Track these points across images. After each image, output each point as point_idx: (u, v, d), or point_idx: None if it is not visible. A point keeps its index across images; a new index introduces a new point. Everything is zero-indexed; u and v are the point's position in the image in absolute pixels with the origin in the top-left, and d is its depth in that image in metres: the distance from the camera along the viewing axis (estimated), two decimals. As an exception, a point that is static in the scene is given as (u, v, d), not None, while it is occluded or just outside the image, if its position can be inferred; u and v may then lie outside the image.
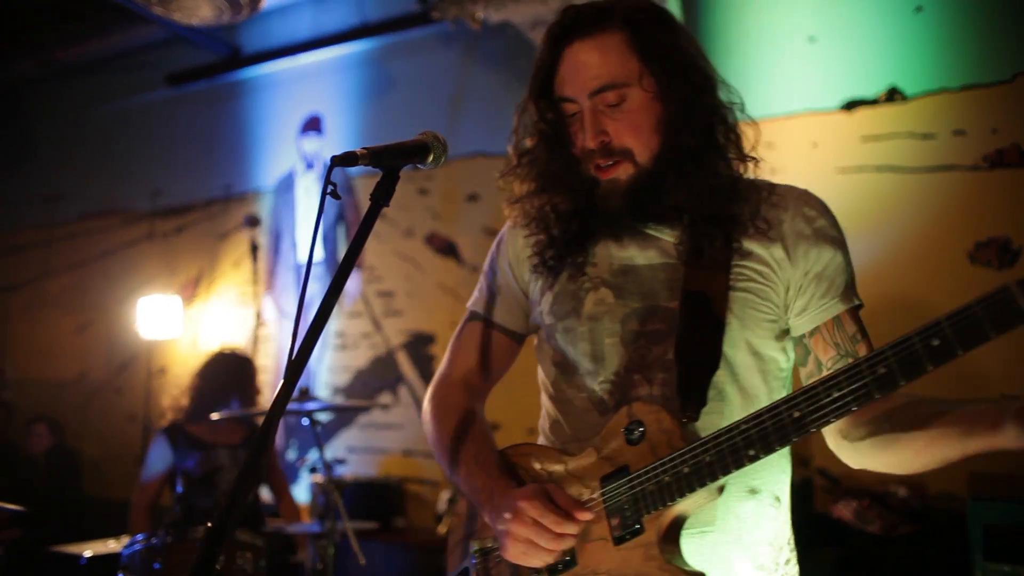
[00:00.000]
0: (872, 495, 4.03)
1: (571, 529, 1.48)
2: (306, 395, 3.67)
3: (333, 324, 6.39)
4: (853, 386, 1.27)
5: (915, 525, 3.96)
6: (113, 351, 7.53)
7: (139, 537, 3.27)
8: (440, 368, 1.90)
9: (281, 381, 1.26)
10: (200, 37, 6.76)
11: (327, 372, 6.37)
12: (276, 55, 6.83)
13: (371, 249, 5.93)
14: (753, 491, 1.58)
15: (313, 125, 6.66)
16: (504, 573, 1.61)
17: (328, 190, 1.34)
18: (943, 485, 4.14)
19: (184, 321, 6.89)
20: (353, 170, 6.45)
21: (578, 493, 1.55)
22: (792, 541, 1.66)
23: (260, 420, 4.66)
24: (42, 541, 4.96)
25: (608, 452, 1.53)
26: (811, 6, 4.81)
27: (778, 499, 1.62)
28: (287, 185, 6.73)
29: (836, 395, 1.28)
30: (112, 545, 4.35)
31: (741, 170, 1.66)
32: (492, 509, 1.57)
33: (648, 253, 1.64)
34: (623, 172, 1.59)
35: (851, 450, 1.47)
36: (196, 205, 7.36)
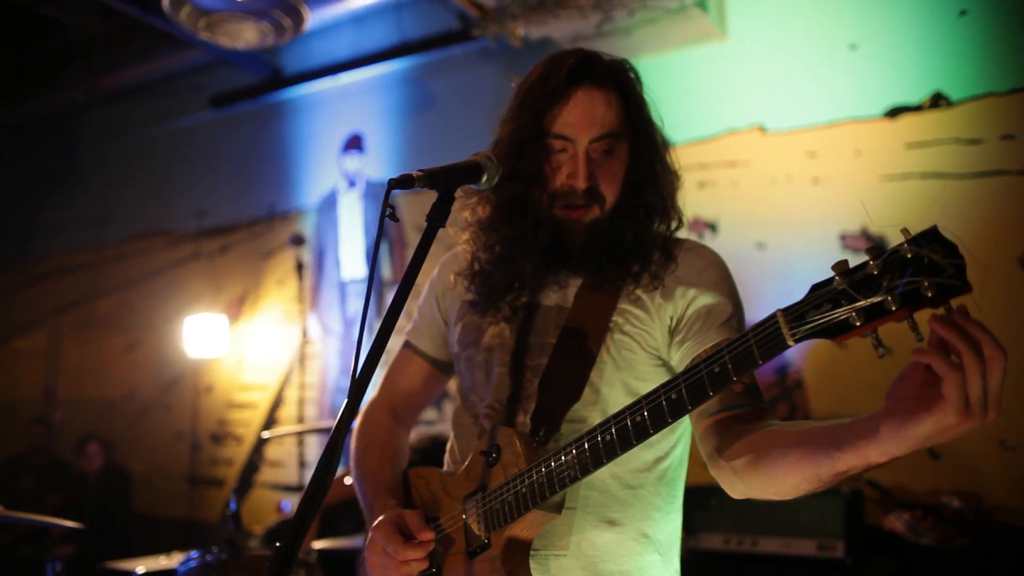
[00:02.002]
0: (924, 507, 3.97)
1: (414, 554, 1.57)
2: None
3: (377, 340, 6.43)
4: (651, 407, 1.34)
5: (971, 537, 3.89)
6: (161, 369, 7.66)
7: (194, 554, 3.32)
8: (374, 391, 2.02)
9: (345, 400, 1.28)
10: (242, 59, 6.87)
11: (372, 389, 6.41)
12: (317, 75, 6.93)
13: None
14: (612, 522, 1.64)
15: (355, 143, 6.73)
16: None
17: (387, 212, 1.35)
18: (999, 496, 4.07)
19: (230, 339, 6.98)
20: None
21: (449, 509, 1.68)
22: None
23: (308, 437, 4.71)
24: (95, 558, 5.05)
25: (473, 473, 1.65)
26: (852, 13, 4.77)
27: (646, 536, 1.67)
28: (330, 203, 6.81)
29: (638, 419, 1.36)
30: (164, 562, 4.41)
31: (673, 225, 1.78)
32: (368, 528, 1.69)
33: (552, 295, 1.75)
34: (589, 216, 1.68)
35: (728, 472, 1.48)
36: (240, 225, 7.46)
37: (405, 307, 1.41)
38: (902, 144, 4.54)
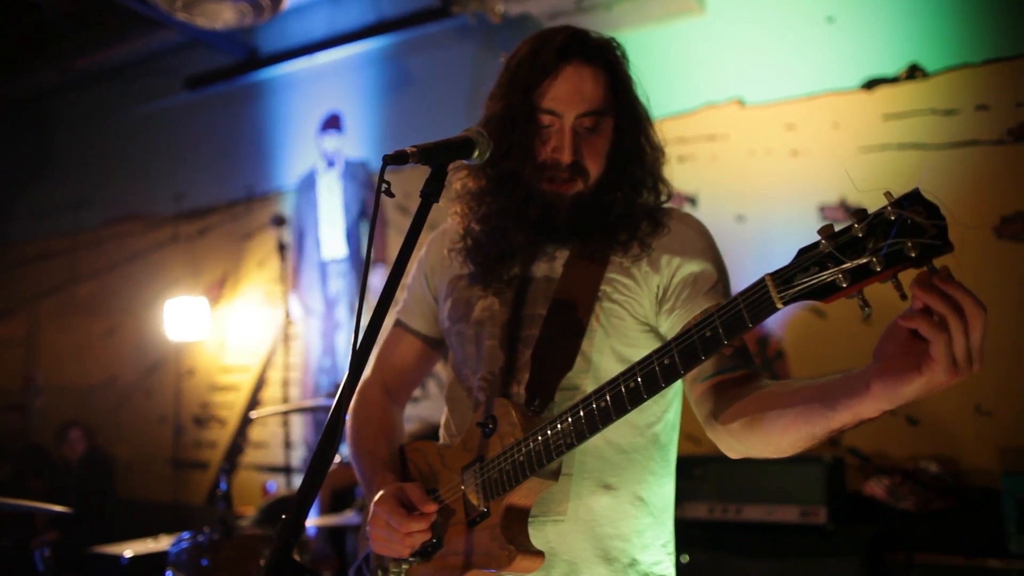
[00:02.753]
0: (903, 472, 4.05)
1: (417, 526, 1.61)
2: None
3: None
4: (644, 373, 1.38)
5: (948, 500, 3.98)
6: (141, 354, 7.62)
7: (186, 535, 3.33)
8: (367, 371, 2.03)
9: (345, 373, 1.30)
10: (217, 40, 6.80)
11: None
12: (293, 55, 6.87)
13: (394, 244, 5.97)
14: (608, 487, 1.69)
15: (333, 123, 6.70)
16: (386, 556, 1.75)
17: (383, 188, 1.37)
18: (975, 460, 4.15)
19: (211, 322, 6.96)
20: (375, 166, 6.51)
21: (447, 481, 1.71)
22: (669, 546, 1.78)
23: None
24: (81, 543, 5.05)
25: (470, 444, 1.68)
26: (828, -14, 4.80)
27: (641, 499, 1.71)
28: (309, 184, 6.79)
29: (632, 385, 1.40)
30: (150, 545, 4.42)
31: (662, 198, 1.82)
32: (369, 503, 1.72)
33: (541, 267, 1.78)
34: (573, 189, 1.72)
35: (724, 434, 1.51)
36: (219, 207, 7.42)
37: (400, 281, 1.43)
38: (879, 115, 4.58)
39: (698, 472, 3.98)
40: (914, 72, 4.52)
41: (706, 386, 1.58)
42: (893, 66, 4.57)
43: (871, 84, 4.63)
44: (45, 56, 7.85)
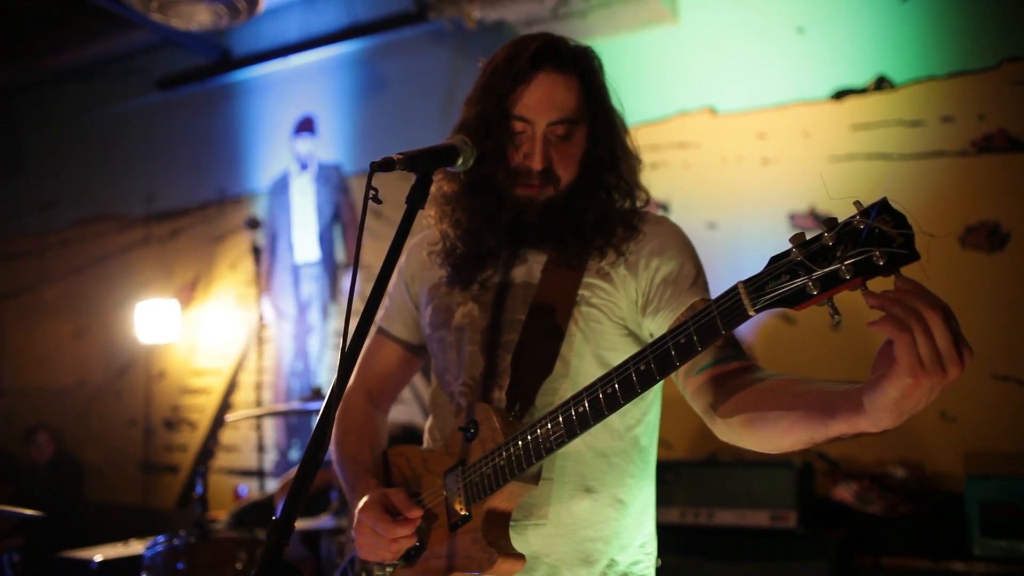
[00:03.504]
0: (871, 477, 4.12)
1: (403, 531, 1.62)
2: (317, 394, 3.72)
3: (332, 324, 6.44)
4: (621, 379, 1.41)
5: (914, 504, 4.05)
6: (111, 356, 7.55)
7: (160, 538, 3.31)
8: (351, 378, 2.03)
9: (336, 375, 1.32)
10: (190, 40, 6.77)
11: (328, 372, 6.42)
12: (267, 57, 6.85)
13: (368, 248, 5.97)
14: (589, 490, 1.71)
15: (306, 126, 6.69)
16: (370, 561, 1.77)
17: (372, 195, 1.39)
18: (940, 465, 4.23)
19: (182, 324, 6.92)
20: (348, 170, 6.51)
21: (430, 485, 1.73)
22: (648, 547, 1.80)
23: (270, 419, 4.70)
24: (49, 548, 4.99)
25: (452, 449, 1.71)
26: (799, -3, 4.88)
27: (621, 501, 1.74)
28: (282, 186, 6.77)
29: (610, 391, 1.42)
30: (120, 549, 4.39)
31: (638, 204, 1.85)
32: (353, 510, 1.74)
33: (518, 272, 1.80)
34: (543, 194, 1.74)
35: (724, 427, 1.53)
36: (191, 208, 7.37)
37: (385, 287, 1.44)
38: (848, 125, 4.66)
39: (670, 477, 4.03)
40: (882, 83, 4.60)
41: (702, 378, 1.59)
42: (861, 77, 4.65)
43: (840, 95, 4.71)
44: (16, 54, 7.76)
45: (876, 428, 1.20)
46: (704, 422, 1.61)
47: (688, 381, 1.63)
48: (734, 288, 1.23)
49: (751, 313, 1.21)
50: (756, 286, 1.20)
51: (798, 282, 1.14)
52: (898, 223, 1.07)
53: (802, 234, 1.16)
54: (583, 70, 1.76)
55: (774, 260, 1.18)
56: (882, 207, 1.08)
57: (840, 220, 1.11)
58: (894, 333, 1.09)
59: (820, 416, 1.28)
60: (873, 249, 1.07)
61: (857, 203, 1.10)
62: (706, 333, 1.28)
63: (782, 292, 1.16)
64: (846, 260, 1.09)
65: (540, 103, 1.70)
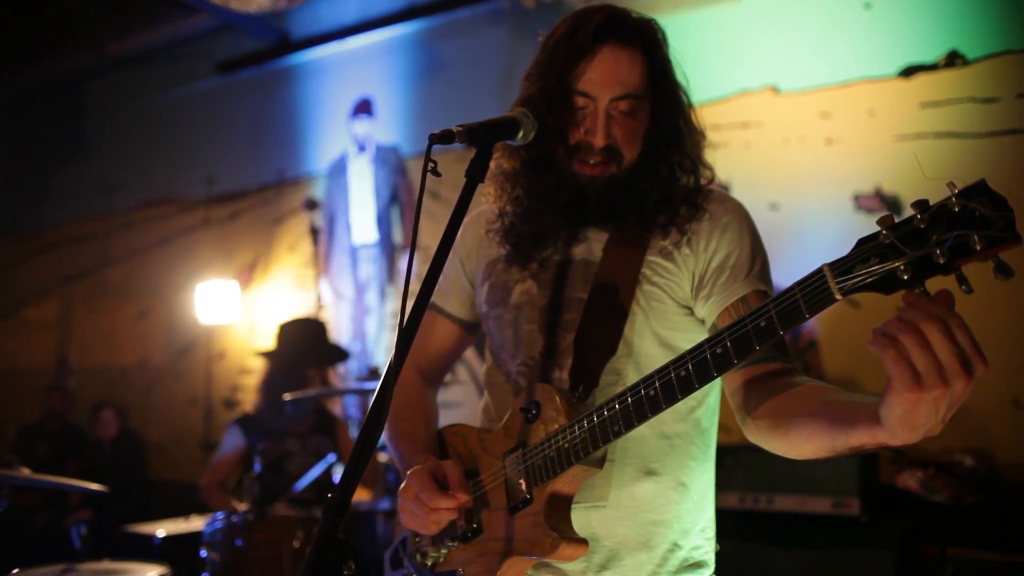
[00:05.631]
0: (937, 465, 4.01)
1: (446, 503, 1.57)
2: (374, 374, 3.72)
3: (389, 305, 6.47)
4: (696, 362, 1.35)
5: (983, 494, 3.93)
6: (173, 337, 7.70)
7: (219, 515, 3.36)
8: None
9: (391, 353, 1.30)
10: (249, 24, 6.83)
11: (386, 353, 6.45)
12: (325, 39, 6.89)
13: (426, 229, 5.96)
14: (651, 473, 1.67)
15: (364, 108, 6.71)
16: (424, 540, 1.75)
17: (429, 168, 1.36)
18: (1011, 455, 4.10)
19: (242, 305, 7.01)
20: (405, 151, 6.52)
21: (489, 466, 1.69)
22: (708, 531, 1.76)
23: (327, 402, 4.75)
24: (113, 522, 5.12)
25: (512, 430, 1.67)
26: (867, -28, 4.74)
27: (683, 484, 1.70)
28: (340, 168, 6.80)
29: (683, 374, 1.37)
30: (183, 525, 4.47)
31: (702, 182, 1.80)
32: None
33: (575, 250, 1.77)
34: (607, 172, 1.69)
35: (754, 429, 1.51)
36: (250, 191, 7.46)
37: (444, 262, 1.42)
38: (916, 104, 4.52)
39: (729, 461, 3.96)
40: (954, 59, 4.45)
41: (741, 377, 1.57)
42: (932, 53, 4.50)
43: (909, 71, 4.56)
44: (79, 40, 7.93)
45: (895, 441, 1.17)
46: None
47: (729, 376, 1.60)
48: (819, 271, 1.17)
49: (837, 297, 1.15)
50: (843, 269, 1.14)
51: (889, 266, 1.09)
52: (997, 205, 1.01)
53: (890, 216, 1.10)
54: (647, 44, 1.71)
55: (862, 242, 1.12)
56: (980, 188, 1.02)
57: (932, 202, 1.05)
58: (877, 350, 1.07)
59: (842, 425, 1.26)
60: (972, 232, 1.01)
61: (951, 184, 1.04)
62: (788, 316, 1.23)
63: (872, 275, 1.11)
64: (942, 243, 1.03)
65: (603, 78, 1.66)
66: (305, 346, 4.50)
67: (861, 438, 1.22)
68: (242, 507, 3.62)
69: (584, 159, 1.68)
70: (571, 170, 1.70)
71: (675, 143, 1.74)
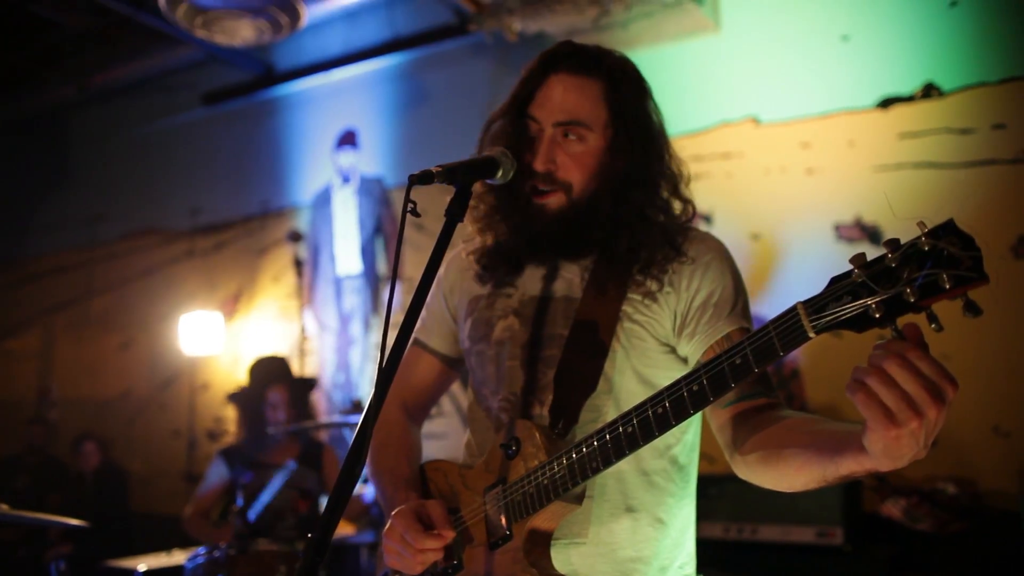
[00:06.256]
0: (920, 493, 4.02)
1: (431, 544, 1.58)
2: (357, 407, 3.72)
3: (374, 336, 6.46)
4: (672, 399, 1.37)
5: (966, 522, 3.95)
6: (156, 368, 7.65)
7: (201, 550, 3.33)
8: None
9: (372, 390, 1.31)
10: (234, 56, 6.86)
11: (370, 384, 6.43)
12: (309, 71, 6.93)
13: (410, 260, 5.99)
14: (630, 509, 1.68)
15: (348, 139, 6.73)
16: None
17: (409, 208, 1.37)
18: (994, 482, 4.12)
19: (225, 336, 6.98)
20: (390, 182, 6.54)
21: (469, 502, 1.69)
22: (687, 567, 1.76)
23: (312, 434, 4.73)
24: (94, 556, 5.05)
25: (492, 466, 1.67)
26: (844, 4, 4.81)
27: (661, 521, 1.70)
28: (324, 200, 6.81)
29: (660, 411, 1.38)
30: (164, 559, 4.41)
31: (680, 217, 1.79)
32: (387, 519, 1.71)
33: (556, 286, 1.77)
34: (555, 202, 1.70)
35: (743, 465, 1.53)
36: (234, 222, 7.46)
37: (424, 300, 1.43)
38: (895, 134, 4.58)
39: (713, 491, 3.96)
40: (930, 91, 4.52)
41: (728, 413, 1.58)
42: (909, 85, 4.57)
43: (886, 103, 4.63)
44: (63, 72, 7.93)
45: (884, 468, 1.20)
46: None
47: (716, 413, 1.61)
48: (793, 309, 1.19)
49: (811, 335, 1.17)
50: (816, 307, 1.16)
51: (860, 304, 1.11)
52: (965, 244, 1.04)
53: (863, 255, 1.12)
54: (609, 75, 1.72)
55: (835, 280, 1.15)
56: (948, 227, 1.05)
57: (903, 241, 1.08)
58: (850, 395, 1.11)
59: (830, 454, 1.28)
60: (940, 271, 1.04)
61: (921, 223, 1.07)
62: (763, 354, 1.24)
63: (843, 314, 1.13)
64: (912, 282, 1.06)
65: (550, 103, 1.69)
66: (271, 377, 4.56)
67: (850, 466, 1.24)
68: (224, 541, 3.59)
69: (534, 186, 1.70)
70: (528, 199, 1.71)
71: (640, 180, 1.72)
